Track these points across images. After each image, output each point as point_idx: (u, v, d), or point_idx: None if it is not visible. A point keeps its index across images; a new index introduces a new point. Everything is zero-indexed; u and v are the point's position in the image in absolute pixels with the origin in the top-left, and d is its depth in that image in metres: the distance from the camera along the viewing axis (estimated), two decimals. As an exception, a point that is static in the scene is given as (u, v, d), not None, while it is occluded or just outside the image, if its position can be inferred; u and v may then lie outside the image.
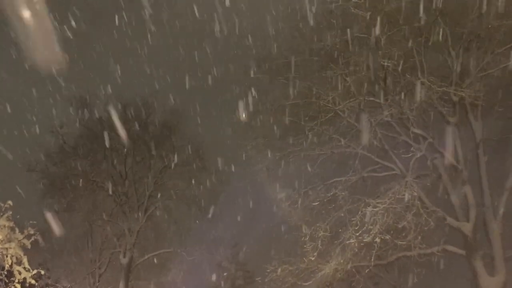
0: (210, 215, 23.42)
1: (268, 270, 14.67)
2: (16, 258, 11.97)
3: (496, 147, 15.19)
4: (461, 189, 14.25)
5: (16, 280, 12.03)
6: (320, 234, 13.25)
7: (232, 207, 24.59)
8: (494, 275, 13.58)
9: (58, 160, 22.89)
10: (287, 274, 14.27)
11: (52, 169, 22.88)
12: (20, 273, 12.04)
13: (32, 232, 12.26)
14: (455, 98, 13.83)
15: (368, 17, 13.54)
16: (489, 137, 14.63)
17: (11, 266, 11.91)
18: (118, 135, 23.33)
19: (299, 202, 14.27)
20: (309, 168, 15.12)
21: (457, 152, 14.31)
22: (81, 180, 22.39)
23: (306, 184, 14.54)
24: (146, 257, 22.83)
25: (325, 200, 13.87)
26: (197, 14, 19.42)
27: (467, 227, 13.87)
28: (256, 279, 19.54)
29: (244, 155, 15.72)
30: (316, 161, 15.05)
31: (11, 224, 11.96)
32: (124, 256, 22.09)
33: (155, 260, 23.38)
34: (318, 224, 13.57)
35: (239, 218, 24.79)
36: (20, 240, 12.00)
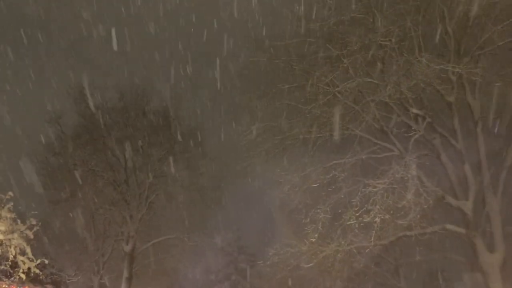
0: (211, 201, 23.58)
1: (270, 253, 14.79)
2: (20, 248, 12.07)
3: (495, 125, 15.18)
4: (460, 168, 14.30)
5: (21, 270, 12.15)
6: (320, 216, 13.31)
7: (233, 192, 24.71)
8: (494, 252, 13.71)
9: (57, 151, 22.90)
10: (289, 257, 14.38)
11: (52, 159, 22.92)
12: (24, 263, 12.16)
13: (34, 222, 12.34)
14: (453, 77, 13.77)
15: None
16: (487, 115, 14.60)
17: (15, 256, 12.01)
18: (117, 124, 23.32)
19: (299, 185, 14.30)
20: (308, 151, 15.13)
21: (455, 131, 14.33)
22: (81, 169, 22.43)
23: (306, 167, 14.55)
24: (148, 244, 23.02)
25: (324, 182, 13.90)
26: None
27: (466, 206, 13.95)
28: (258, 262, 19.74)
29: (243, 139, 15.68)
30: (315, 143, 15.05)
31: (13, 215, 12.03)
32: (127, 244, 22.26)
33: (158, 247, 23.58)
34: (318, 207, 13.63)
35: (239, 203, 24.94)
36: (22, 231, 12.08)
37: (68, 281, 23.75)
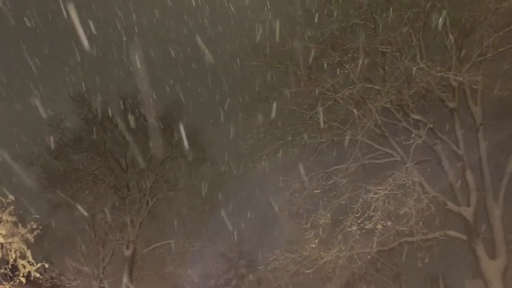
0: (211, 205, 23.57)
1: (271, 259, 14.75)
2: (20, 252, 12.04)
3: (496, 131, 15.19)
4: (462, 174, 14.28)
5: (21, 274, 12.12)
6: (321, 222, 13.29)
7: (233, 197, 24.69)
8: (495, 258, 13.67)
9: (59, 154, 22.92)
10: (290, 262, 14.34)
11: (53, 163, 22.93)
12: (24, 267, 12.12)
13: (35, 226, 12.32)
14: (455, 83, 13.81)
15: (366, 3, 13.49)
16: (488, 121, 14.61)
17: (15, 260, 11.99)
18: (118, 128, 23.36)
19: (300, 190, 14.30)
20: (309, 157, 15.14)
21: (457, 137, 14.33)
22: (82, 173, 22.45)
23: (307, 172, 14.55)
24: (149, 248, 22.98)
25: (326, 187, 13.90)
26: (193, 1, 19.23)
27: (468, 212, 13.92)
28: (259, 267, 19.71)
29: (244, 144, 15.69)
30: (316, 149, 15.06)
31: (14, 218, 12.01)
32: (128, 248, 22.23)
33: (158, 252, 23.54)
34: (319, 212, 13.62)
35: (240, 208, 24.90)
36: (23, 235, 12.06)
37: (68, 285, 23.70)
